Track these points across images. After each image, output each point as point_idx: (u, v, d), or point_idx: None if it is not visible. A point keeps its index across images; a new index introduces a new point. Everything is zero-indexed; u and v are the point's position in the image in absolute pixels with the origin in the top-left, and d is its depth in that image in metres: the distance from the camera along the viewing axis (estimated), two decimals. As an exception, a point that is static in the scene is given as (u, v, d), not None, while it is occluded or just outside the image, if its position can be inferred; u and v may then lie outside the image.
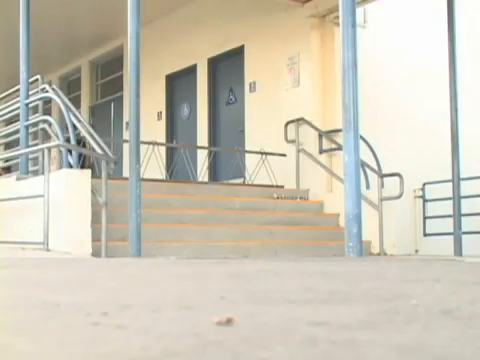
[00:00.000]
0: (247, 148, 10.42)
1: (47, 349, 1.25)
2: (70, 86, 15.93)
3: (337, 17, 6.73)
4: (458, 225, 8.21)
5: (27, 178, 7.66)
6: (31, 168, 8.17)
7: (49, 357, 1.18)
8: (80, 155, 7.68)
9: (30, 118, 8.14)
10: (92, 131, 7.48)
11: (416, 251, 9.45)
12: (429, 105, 9.99)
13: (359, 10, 8.53)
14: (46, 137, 8.10)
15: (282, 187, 9.41)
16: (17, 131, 8.31)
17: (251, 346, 1.23)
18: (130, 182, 6.41)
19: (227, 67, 11.42)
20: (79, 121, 7.67)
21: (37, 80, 8.37)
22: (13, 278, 3.40)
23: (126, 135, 11.08)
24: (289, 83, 9.92)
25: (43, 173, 6.87)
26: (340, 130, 7.06)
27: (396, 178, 8.23)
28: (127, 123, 10.51)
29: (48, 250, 6.53)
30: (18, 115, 8.26)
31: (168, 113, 12.54)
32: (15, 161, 8.93)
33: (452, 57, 8.33)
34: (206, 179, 10.70)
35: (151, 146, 9.66)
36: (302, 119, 9.47)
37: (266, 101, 10.32)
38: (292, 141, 9.61)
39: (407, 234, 9.35)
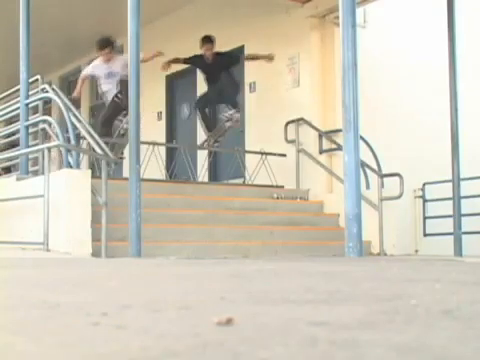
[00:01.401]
0: (247, 148, 10.42)
1: (47, 349, 1.25)
2: (70, 86, 15.93)
3: (337, 17, 6.73)
4: (458, 225, 8.20)
5: (27, 178, 7.66)
6: (31, 168, 8.17)
7: (49, 357, 1.18)
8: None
9: (30, 118, 8.14)
10: (92, 131, 7.48)
11: (416, 251, 9.45)
12: (429, 105, 9.99)
13: (359, 10, 8.53)
14: (46, 137, 8.10)
15: (282, 187, 9.41)
16: (17, 131, 8.32)
17: (251, 346, 1.23)
18: (130, 182, 6.41)
19: (227, 67, 11.40)
20: (79, 121, 7.68)
21: (37, 80, 8.37)
22: (13, 278, 3.40)
23: (126, 135, 11.07)
24: (289, 83, 9.93)
25: (43, 173, 6.87)
26: (340, 130, 7.05)
27: (396, 178, 8.23)
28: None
29: (48, 250, 6.53)
30: (18, 115, 8.26)
31: (168, 113, 12.54)
32: (15, 161, 8.93)
33: (452, 57, 8.33)
34: (206, 179, 10.70)
35: (151, 146, 9.66)
36: (302, 119, 9.47)
37: (266, 101, 10.32)
38: (292, 141, 9.61)
39: (407, 234, 9.35)
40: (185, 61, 10.03)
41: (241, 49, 10.93)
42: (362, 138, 7.14)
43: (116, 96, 9.35)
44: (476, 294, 2.37)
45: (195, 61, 9.85)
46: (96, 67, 9.57)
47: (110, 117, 9.44)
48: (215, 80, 9.69)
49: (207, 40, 9.68)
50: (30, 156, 8.14)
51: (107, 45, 9.41)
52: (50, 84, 8.70)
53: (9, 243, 7.11)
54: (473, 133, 9.77)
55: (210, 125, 9.85)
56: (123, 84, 8.74)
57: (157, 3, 10.86)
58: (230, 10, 10.98)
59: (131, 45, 6.66)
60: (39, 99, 8.15)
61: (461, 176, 8.29)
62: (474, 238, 8.68)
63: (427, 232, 9.59)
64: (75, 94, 9.81)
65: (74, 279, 3.28)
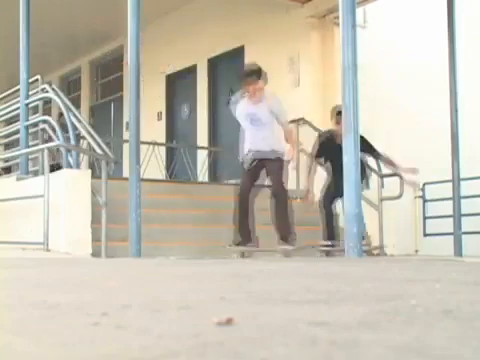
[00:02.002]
0: (247, 148, 10.41)
1: (47, 349, 1.25)
2: (70, 86, 15.94)
3: (337, 17, 6.73)
4: (458, 225, 8.20)
5: (27, 178, 7.66)
6: (31, 168, 8.17)
7: (49, 357, 1.18)
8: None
9: (30, 118, 8.14)
10: (92, 131, 7.48)
11: (416, 251, 9.45)
12: (429, 105, 9.99)
13: (359, 10, 8.54)
14: (46, 137, 8.11)
15: (282, 187, 9.40)
16: (17, 131, 8.32)
17: (251, 346, 1.23)
18: (130, 182, 6.40)
19: (227, 67, 11.42)
20: (79, 121, 7.68)
21: (37, 80, 8.38)
22: (13, 278, 3.40)
23: (126, 135, 11.08)
24: (289, 83, 9.92)
25: (43, 173, 6.88)
26: (340, 130, 7.04)
27: (396, 178, 8.23)
28: (127, 123, 10.52)
29: (48, 250, 6.53)
30: (18, 115, 8.26)
31: (168, 113, 12.54)
32: (15, 161, 8.94)
33: (452, 57, 8.32)
34: (206, 179, 10.70)
35: (151, 146, 9.67)
36: (302, 119, 9.47)
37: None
38: (292, 141, 9.60)
39: (407, 234, 9.34)
40: (317, 155, 7.75)
41: (241, 48, 10.94)
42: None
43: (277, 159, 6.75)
44: (476, 294, 2.37)
45: (325, 147, 7.63)
46: (239, 107, 6.97)
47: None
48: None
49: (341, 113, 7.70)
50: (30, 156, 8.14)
51: (252, 74, 6.93)
52: (50, 84, 8.70)
53: (9, 243, 7.11)
54: (473, 133, 9.76)
55: (332, 228, 7.61)
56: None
57: (157, 3, 10.87)
58: (230, 10, 10.99)
59: (131, 45, 6.65)
60: (39, 99, 8.15)
61: (461, 176, 8.29)
62: (474, 238, 8.67)
63: (427, 232, 9.58)
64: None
65: (74, 279, 3.28)
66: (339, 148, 6.79)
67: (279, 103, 6.97)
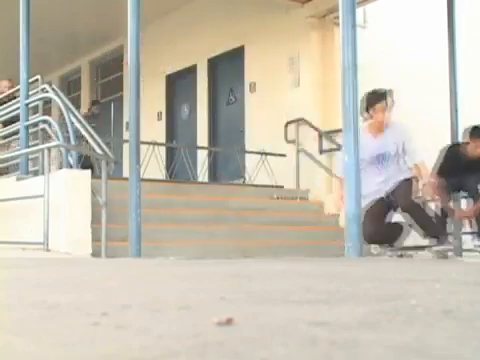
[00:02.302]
0: (247, 148, 10.42)
1: (47, 349, 1.25)
2: (70, 86, 15.94)
3: (337, 17, 6.72)
4: (458, 225, 8.18)
5: (27, 178, 7.65)
6: (31, 168, 8.16)
7: (49, 357, 1.18)
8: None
9: (30, 118, 8.14)
10: (92, 131, 7.48)
11: (416, 252, 9.43)
12: (429, 105, 9.99)
13: (359, 10, 8.54)
14: (46, 137, 8.10)
15: (282, 187, 9.41)
16: (17, 131, 8.31)
17: (251, 346, 1.23)
18: (130, 182, 6.40)
19: (227, 67, 11.42)
20: (79, 121, 7.67)
21: (37, 80, 8.38)
22: (13, 278, 3.40)
23: (126, 135, 11.08)
24: (289, 83, 9.93)
25: (43, 173, 6.87)
26: (340, 130, 7.05)
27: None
28: (127, 123, 10.52)
29: (48, 250, 6.53)
30: (18, 115, 8.26)
31: (168, 113, 12.54)
32: (15, 161, 8.93)
33: (452, 57, 8.32)
34: (206, 179, 10.70)
35: (151, 146, 9.67)
36: (302, 119, 9.47)
37: (266, 101, 10.32)
38: (292, 141, 9.61)
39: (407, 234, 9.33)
40: (440, 172, 7.22)
41: (241, 48, 10.94)
42: (362, 138, 7.11)
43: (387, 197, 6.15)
44: (476, 294, 2.37)
45: (448, 161, 7.20)
46: (366, 145, 5.97)
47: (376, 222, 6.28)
48: (461, 176, 7.01)
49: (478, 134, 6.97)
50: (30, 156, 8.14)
51: (382, 98, 6.22)
52: (50, 84, 8.70)
53: (9, 243, 7.11)
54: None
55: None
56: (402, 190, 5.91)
57: (157, 3, 10.87)
58: (230, 10, 10.98)
59: (131, 45, 6.65)
60: (39, 99, 8.15)
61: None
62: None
63: (427, 232, 9.56)
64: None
65: (74, 279, 3.28)
66: (466, 164, 6.80)
67: (406, 129, 6.33)
